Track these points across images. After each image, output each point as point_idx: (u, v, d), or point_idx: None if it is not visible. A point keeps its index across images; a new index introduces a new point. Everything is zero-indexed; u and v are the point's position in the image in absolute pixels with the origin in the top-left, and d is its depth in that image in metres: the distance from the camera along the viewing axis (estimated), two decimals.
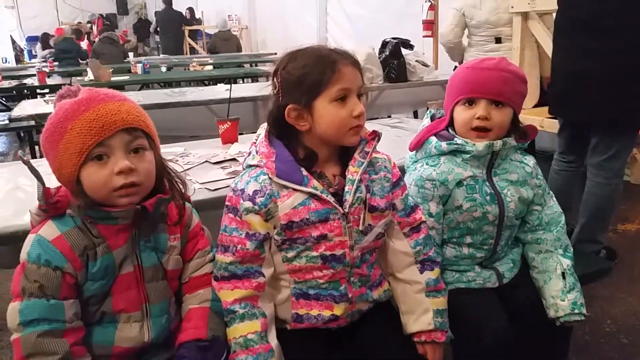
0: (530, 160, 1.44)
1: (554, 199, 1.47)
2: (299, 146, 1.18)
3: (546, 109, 3.54)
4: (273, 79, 1.17)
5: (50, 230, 1.01)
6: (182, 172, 1.56)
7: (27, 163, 1.01)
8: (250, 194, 1.13)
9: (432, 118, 1.49)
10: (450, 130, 1.41)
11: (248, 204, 1.13)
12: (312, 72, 1.11)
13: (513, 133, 1.38)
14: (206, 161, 1.95)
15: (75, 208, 1.02)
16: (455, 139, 1.36)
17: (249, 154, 1.22)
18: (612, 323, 2.19)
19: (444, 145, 1.36)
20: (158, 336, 1.11)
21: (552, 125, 3.20)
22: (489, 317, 1.32)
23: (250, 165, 1.18)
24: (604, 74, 2.24)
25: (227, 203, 1.18)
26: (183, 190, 1.15)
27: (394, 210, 1.27)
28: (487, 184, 1.37)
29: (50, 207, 1.01)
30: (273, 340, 1.15)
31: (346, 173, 1.18)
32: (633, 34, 2.19)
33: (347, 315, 1.22)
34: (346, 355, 1.26)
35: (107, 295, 1.05)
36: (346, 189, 1.17)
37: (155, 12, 12.42)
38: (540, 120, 3.23)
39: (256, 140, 1.22)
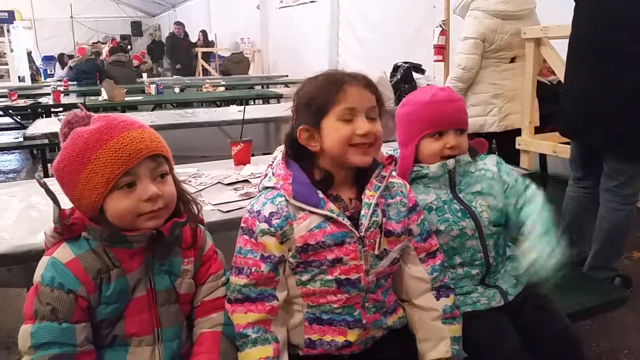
0: (490, 164, 1.46)
1: (529, 181, 1.47)
2: (315, 168, 1.19)
3: (558, 134, 3.52)
4: (293, 103, 1.21)
5: (64, 252, 1.01)
6: (195, 192, 1.56)
7: (44, 186, 1.01)
8: (267, 215, 1.13)
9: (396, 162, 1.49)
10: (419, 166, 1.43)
11: (264, 226, 1.13)
12: (320, 93, 1.15)
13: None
14: (219, 182, 1.95)
15: (93, 231, 1.02)
16: (413, 167, 1.40)
17: (265, 175, 1.22)
18: (629, 353, 2.13)
19: None
20: None
21: (564, 151, 3.17)
22: (501, 340, 1.30)
23: (267, 187, 1.18)
24: (619, 100, 2.24)
25: (242, 225, 1.18)
26: (197, 213, 1.15)
27: (410, 235, 1.26)
28: (455, 201, 1.39)
29: (65, 229, 1.01)
30: None
31: (362, 196, 1.18)
32: None
33: (361, 342, 1.20)
34: None
35: (120, 318, 1.04)
36: (362, 212, 1.17)
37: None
38: (552, 145, 3.21)
39: (272, 162, 1.23)
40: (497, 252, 1.42)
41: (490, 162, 1.46)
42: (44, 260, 1.02)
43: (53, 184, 1.04)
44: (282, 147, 1.23)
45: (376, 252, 1.17)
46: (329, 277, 1.15)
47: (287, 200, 1.13)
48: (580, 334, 1.38)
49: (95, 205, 0.99)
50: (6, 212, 1.65)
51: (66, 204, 1.05)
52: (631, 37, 2.20)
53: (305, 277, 1.16)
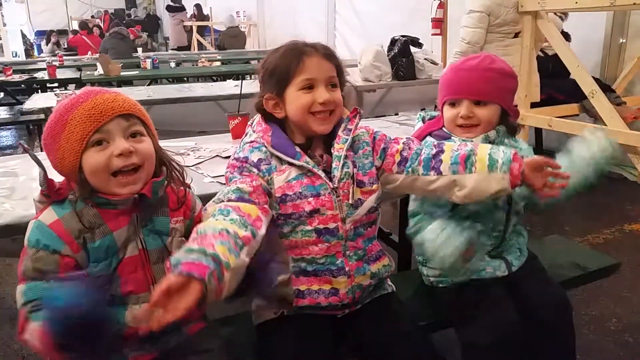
0: (523, 144, 1.49)
1: None
2: (290, 131, 1.25)
3: (554, 108, 3.53)
4: (259, 74, 1.28)
5: (48, 215, 1.05)
6: (193, 165, 1.57)
7: (27, 150, 1.07)
8: (255, 161, 1.20)
9: (423, 120, 1.54)
10: (444, 129, 1.46)
11: (254, 170, 1.19)
12: (281, 64, 1.22)
13: (503, 122, 1.43)
14: (217, 155, 1.98)
15: (76, 192, 1.05)
16: (453, 137, 1.42)
17: (246, 134, 1.29)
18: (618, 321, 2.20)
19: None
20: None
21: (560, 125, 3.20)
22: (497, 309, 1.34)
23: (248, 142, 1.24)
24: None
25: (228, 170, 1.21)
26: (181, 177, 1.17)
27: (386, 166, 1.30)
28: None
29: (52, 192, 1.05)
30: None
31: (332, 150, 1.25)
32: None
33: (348, 291, 1.25)
34: (352, 346, 1.30)
35: (114, 277, 1.08)
36: (334, 165, 1.23)
37: None
38: (548, 119, 3.24)
39: (252, 123, 1.30)
40: (513, 229, 1.46)
41: (523, 144, 1.49)
42: (31, 223, 1.06)
43: (45, 158, 1.07)
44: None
45: (350, 201, 1.23)
46: (309, 228, 1.21)
47: (267, 148, 1.20)
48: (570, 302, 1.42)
49: (74, 165, 1.03)
50: (8, 184, 1.67)
51: (55, 176, 1.08)
52: None
53: (286, 229, 1.22)
